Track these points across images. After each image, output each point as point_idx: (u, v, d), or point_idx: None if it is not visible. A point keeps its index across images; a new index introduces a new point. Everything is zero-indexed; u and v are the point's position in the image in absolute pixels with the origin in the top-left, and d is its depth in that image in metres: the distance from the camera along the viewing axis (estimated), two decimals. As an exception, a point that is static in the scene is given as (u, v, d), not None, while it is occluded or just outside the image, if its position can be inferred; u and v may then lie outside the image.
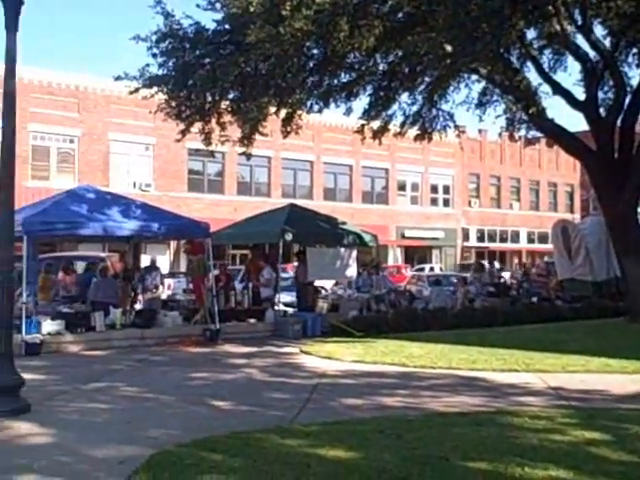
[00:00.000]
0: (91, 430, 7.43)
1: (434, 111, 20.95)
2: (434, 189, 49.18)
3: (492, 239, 52.15)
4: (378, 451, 6.31)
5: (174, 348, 14.41)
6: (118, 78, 16.84)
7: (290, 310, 18.10)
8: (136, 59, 70.14)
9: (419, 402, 8.87)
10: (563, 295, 22.18)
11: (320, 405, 8.77)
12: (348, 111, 19.80)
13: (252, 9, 14.62)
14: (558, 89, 19.21)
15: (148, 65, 17.00)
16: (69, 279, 18.09)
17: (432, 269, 42.84)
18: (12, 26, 8.44)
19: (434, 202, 49.13)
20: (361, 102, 49.83)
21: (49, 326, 13.99)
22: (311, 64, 17.54)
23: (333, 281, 23.45)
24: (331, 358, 12.77)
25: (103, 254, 24.01)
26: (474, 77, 19.94)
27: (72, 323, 14.48)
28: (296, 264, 21.03)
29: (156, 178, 36.64)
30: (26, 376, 8.56)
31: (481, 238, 51.47)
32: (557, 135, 20.39)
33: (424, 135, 21.28)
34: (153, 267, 18.28)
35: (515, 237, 53.56)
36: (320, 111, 20.01)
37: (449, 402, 8.84)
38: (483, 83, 20.41)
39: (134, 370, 11.89)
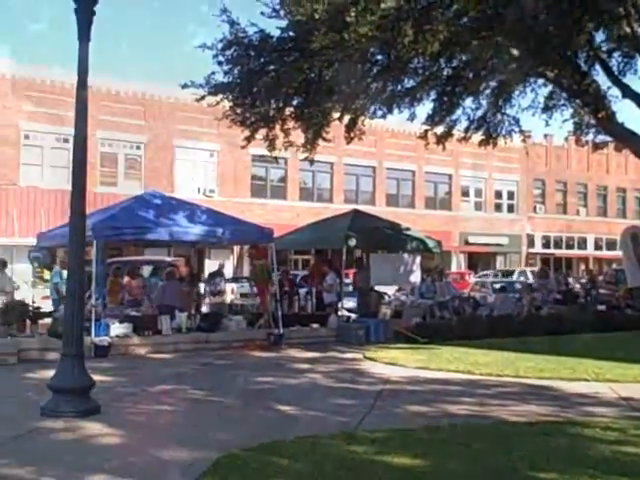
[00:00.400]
0: (158, 432, 7.56)
1: (499, 116, 20.61)
2: (498, 195, 48.46)
3: (558, 245, 51.08)
4: (444, 459, 6.24)
5: (238, 352, 14.55)
6: (185, 86, 17.09)
7: (353, 316, 18.09)
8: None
9: (485, 410, 8.74)
10: (633, 303, 21.60)
11: (385, 411, 8.73)
12: (412, 116, 19.67)
13: (317, 16, 14.66)
14: (628, 92, 18.71)
15: (214, 73, 17.21)
16: (135, 283, 18.42)
17: (496, 275, 42.20)
18: (85, 36, 8.64)
19: (498, 208, 48.42)
20: (425, 107, 49.38)
21: (117, 329, 14.31)
22: (375, 70, 17.47)
23: (395, 287, 23.37)
24: (395, 364, 12.70)
25: (169, 258, 24.42)
26: (540, 81, 19.58)
27: (139, 326, 14.78)
28: (355, 270, 21.04)
29: (220, 184, 37.06)
30: (95, 377, 8.75)
31: (546, 244, 50.48)
32: (627, 139, 19.83)
33: (489, 140, 20.98)
34: (219, 272, 18.50)
35: (582, 244, 52.34)
36: (384, 116, 19.95)
37: (516, 411, 8.68)
38: (550, 87, 20.00)
39: (199, 373, 12.06)
